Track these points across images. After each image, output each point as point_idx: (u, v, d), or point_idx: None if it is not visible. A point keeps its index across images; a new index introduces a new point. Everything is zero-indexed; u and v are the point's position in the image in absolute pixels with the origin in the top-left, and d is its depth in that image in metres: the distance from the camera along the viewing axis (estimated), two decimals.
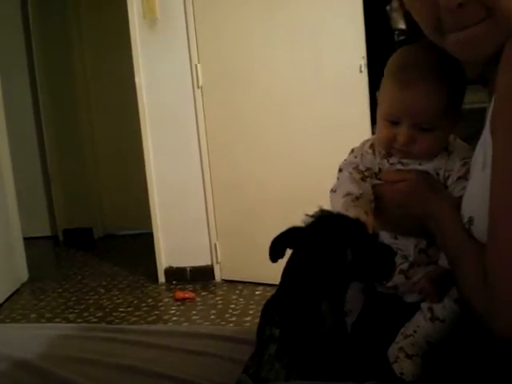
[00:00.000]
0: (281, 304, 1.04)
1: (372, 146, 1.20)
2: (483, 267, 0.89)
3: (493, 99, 0.92)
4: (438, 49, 1.03)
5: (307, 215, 1.07)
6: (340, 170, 1.22)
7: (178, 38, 3.79)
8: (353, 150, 1.23)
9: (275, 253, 1.05)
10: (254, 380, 1.01)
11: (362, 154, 1.20)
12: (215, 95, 3.78)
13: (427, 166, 1.14)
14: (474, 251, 0.95)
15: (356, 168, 1.19)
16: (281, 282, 1.10)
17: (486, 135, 0.94)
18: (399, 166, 1.16)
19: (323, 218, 1.06)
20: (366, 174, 1.18)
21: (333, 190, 1.18)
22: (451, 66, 1.08)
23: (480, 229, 0.94)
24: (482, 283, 0.89)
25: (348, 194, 1.13)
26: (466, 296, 0.96)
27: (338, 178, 1.22)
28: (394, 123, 1.12)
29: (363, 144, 1.23)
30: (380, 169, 1.18)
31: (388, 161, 1.17)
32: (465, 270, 0.96)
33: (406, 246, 1.16)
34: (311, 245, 1.04)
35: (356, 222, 1.04)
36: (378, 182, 1.18)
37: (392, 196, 1.14)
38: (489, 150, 0.91)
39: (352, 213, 1.08)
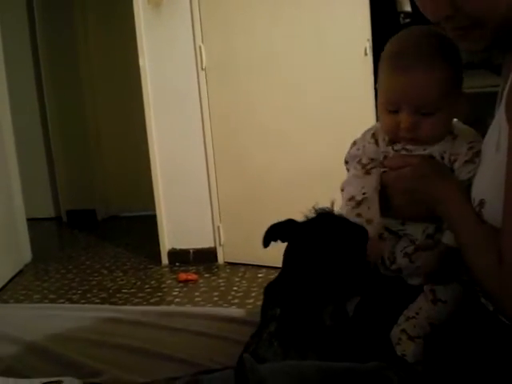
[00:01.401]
0: (283, 284, 1.05)
1: (374, 136, 1.20)
2: (496, 249, 0.89)
3: (508, 82, 0.92)
4: (437, 32, 1.03)
5: (313, 208, 1.09)
6: (346, 162, 1.22)
7: (182, 20, 3.77)
8: (355, 143, 1.23)
9: (267, 239, 1.08)
10: (253, 358, 1.02)
11: (364, 146, 1.20)
12: (219, 77, 3.77)
13: (432, 150, 1.14)
14: (485, 234, 0.96)
15: (359, 162, 1.18)
16: (283, 265, 1.11)
17: (500, 118, 0.95)
18: (404, 152, 1.16)
19: (321, 217, 1.07)
20: (369, 166, 1.17)
21: (341, 189, 1.19)
22: (449, 49, 1.07)
23: (492, 211, 0.94)
24: (495, 265, 0.90)
25: (351, 199, 1.13)
26: (479, 278, 0.96)
27: (347, 170, 1.22)
28: (395, 111, 1.12)
29: (364, 134, 1.22)
30: (385, 157, 1.18)
31: (393, 148, 1.17)
32: (477, 253, 0.97)
33: (414, 232, 1.16)
34: (304, 240, 1.06)
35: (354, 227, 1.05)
36: (383, 170, 1.17)
37: (398, 182, 1.14)
38: (503, 133, 0.92)
39: (355, 220, 1.09)
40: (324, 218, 1.08)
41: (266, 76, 3.63)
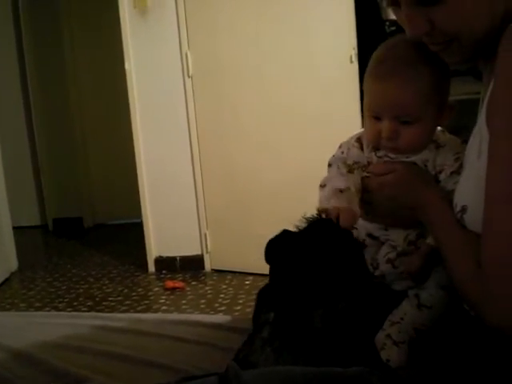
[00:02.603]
0: (276, 288, 1.06)
1: (358, 140, 1.21)
2: (476, 257, 0.90)
3: (489, 88, 0.93)
4: (421, 41, 1.04)
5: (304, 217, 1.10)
6: (329, 165, 1.23)
7: (168, 26, 3.77)
8: (341, 146, 1.24)
9: (269, 255, 1.08)
10: (243, 364, 1.02)
11: (349, 149, 1.21)
12: (206, 84, 3.77)
13: (415, 159, 1.14)
14: (465, 240, 0.96)
15: (344, 162, 1.20)
16: (273, 271, 1.12)
17: (481, 125, 0.95)
18: (387, 159, 1.17)
19: (313, 226, 1.09)
20: (354, 166, 1.19)
21: (321, 186, 1.19)
22: (433, 59, 1.07)
23: (474, 218, 0.95)
24: (475, 273, 0.90)
25: (334, 189, 1.14)
26: (459, 285, 0.97)
27: (328, 172, 1.23)
28: (378, 118, 1.13)
29: (350, 138, 1.23)
30: (369, 162, 1.19)
31: (376, 154, 1.18)
32: (457, 260, 0.97)
33: (396, 237, 1.16)
34: (304, 249, 1.06)
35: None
36: (366, 174, 1.18)
37: (381, 188, 1.15)
38: (485, 140, 0.92)
39: (334, 203, 1.10)
40: (315, 226, 1.09)
41: (253, 84, 3.63)
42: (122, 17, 3.80)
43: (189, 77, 3.78)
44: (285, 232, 1.12)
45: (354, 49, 3.35)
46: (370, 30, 3.34)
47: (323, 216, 1.09)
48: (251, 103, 3.65)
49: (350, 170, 1.18)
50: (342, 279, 1.09)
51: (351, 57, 3.35)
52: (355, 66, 3.34)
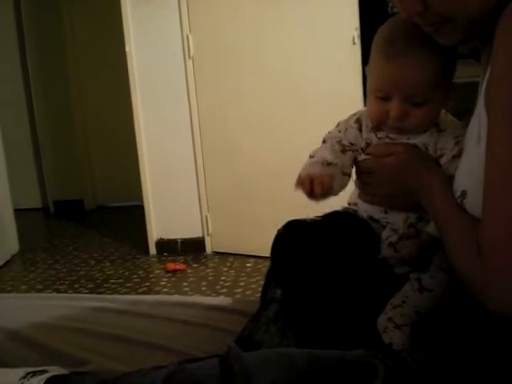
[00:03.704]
0: (285, 267, 1.06)
1: (358, 121, 1.19)
2: (476, 240, 0.89)
3: (487, 73, 0.92)
4: None
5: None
6: (324, 141, 1.21)
7: (170, 8, 3.75)
8: (338, 124, 1.22)
9: (279, 251, 1.10)
10: (248, 343, 1.02)
11: (347, 129, 1.19)
12: (207, 66, 3.75)
13: (416, 141, 1.13)
14: (466, 224, 0.96)
15: (339, 141, 1.18)
16: (275, 253, 1.12)
17: (479, 109, 0.94)
18: (387, 141, 1.16)
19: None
20: (347, 148, 1.17)
21: (310, 156, 1.18)
22: None
23: (473, 203, 0.94)
24: (474, 256, 0.90)
25: (324, 162, 1.13)
26: (458, 268, 0.96)
27: (320, 147, 1.21)
28: (385, 99, 1.11)
29: (349, 118, 1.21)
30: (368, 143, 1.18)
31: (376, 135, 1.17)
32: (457, 243, 0.97)
33: (396, 220, 1.16)
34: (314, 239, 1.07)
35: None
36: (366, 157, 1.17)
37: (382, 170, 1.14)
38: (483, 124, 0.91)
39: (311, 170, 1.08)
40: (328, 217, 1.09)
41: (254, 65, 3.61)
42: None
43: (190, 58, 3.76)
44: (291, 224, 1.11)
45: (356, 29, 3.32)
46: (373, 10, 3.31)
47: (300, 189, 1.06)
48: (252, 85, 3.63)
49: (343, 151, 1.16)
50: (349, 263, 1.09)
51: (354, 38, 3.32)
52: (358, 47, 3.31)
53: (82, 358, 1.24)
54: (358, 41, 3.32)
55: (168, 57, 3.82)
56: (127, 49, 3.83)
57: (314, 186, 1.04)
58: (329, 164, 1.11)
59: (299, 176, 1.08)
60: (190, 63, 3.77)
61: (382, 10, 3.32)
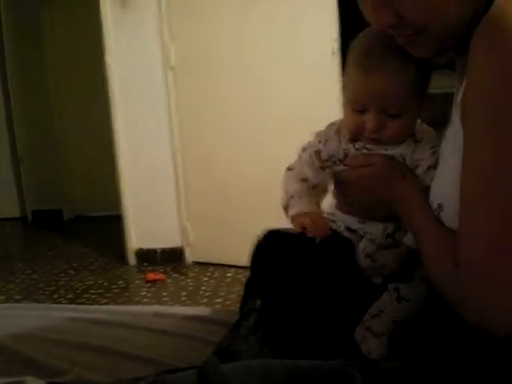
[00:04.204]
0: (264, 277, 1.06)
1: (337, 132, 1.19)
2: (453, 253, 0.90)
3: (462, 84, 0.92)
4: None
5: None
6: (303, 149, 1.22)
7: (150, 18, 3.75)
8: (318, 134, 1.22)
9: (259, 261, 1.10)
10: (226, 353, 1.02)
11: (327, 140, 1.19)
12: (187, 76, 3.75)
13: (393, 152, 1.13)
14: (443, 237, 0.96)
15: (317, 153, 1.18)
16: (255, 263, 1.12)
17: (455, 121, 0.95)
18: (365, 151, 1.15)
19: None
20: (327, 163, 1.17)
21: (289, 168, 1.18)
22: None
23: (450, 215, 0.94)
24: (452, 269, 0.90)
25: (305, 180, 1.13)
26: (435, 280, 0.96)
27: (299, 157, 1.22)
28: (361, 111, 1.11)
29: (328, 128, 1.21)
30: (345, 154, 1.17)
31: (354, 146, 1.16)
32: (434, 256, 0.97)
33: (374, 231, 1.16)
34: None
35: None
36: (343, 167, 1.17)
37: (359, 181, 1.14)
38: (459, 136, 0.91)
39: (306, 202, 1.10)
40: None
41: (235, 76, 3.62)
42: (102, 8, 3.76)
43: (170, 68, 3.76)
44: (271, 233, 1.12)
45: (335, 40, 3.34)
46: (353, 21, 3.33)
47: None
48: (233, 95, 3.64)
49: (323, 168, 1.17)
50: (328, 273, 1.09)
51: (333, 49, 3.35)
52: (337, 57, 3.34)
53: (59, 368, 1.23)
54: (337, 51, 3.34)
55: (148, 67, 3.82)
56: (107, 58, 3.82)
57: (310, 230, 1.07)
58: (314, 187, 1.13)
59: (292, 217, 1.11)
60: (170, 73, 3.77)
61: (360, 22, 3.34)
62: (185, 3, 3.67)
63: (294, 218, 1.11)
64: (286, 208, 1.14)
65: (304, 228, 1.08)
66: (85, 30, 4.94)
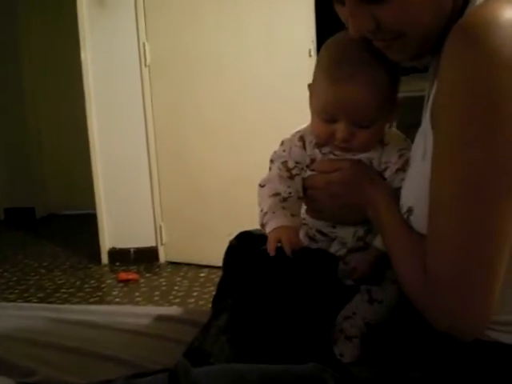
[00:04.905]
0: (236, 277, 1.06)
1: (301, 139, 1.18)
2: (422, 257, 0.90)
3: (433, 91, 0.92)
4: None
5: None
6: (271, 161, 1.21)
7: (126, 16, 3.72)
8: (283, 143, 1.21)
9: (231, 262, 1.09)
10: (197, 353, 1.01)
11: (291, 148, 1.18)
12: (163, 74, 3.73)
13: (361, 156, 1.13)
14: (412, 241, 0.96)
15: (285, 164, 1.17)
16: (227, 265, 1.12)
17: (425, 125, 0.95)
18: (332, 156, 1.15)
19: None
20: (294, 171, 1.16)
21: (261, 185, 1.18)
22: (384, 57, 1.02)
23: (419, 219, 0.94)
24: (420, 273, 0.90)
25: (276, 194, 1.13)
26: (404, 284, 0.97)
27: (270, 169, 1.21)
28: (331, 121, 1.09)
29: (293, 136, 1.20)
30: (312, 160, 1.17)
31: (320, 151, 1.16)
32: (403, 260, 0.97)
33: (345, 234, 1.17)
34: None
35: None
36: (311, 173, 1.17)
37: (327, 186, 1.14)
38: (429, 140, 0.91)
39: (280, 215, 1.09)
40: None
41: (211, 74, 3.61)
42: (79, 6, 3.73)
43: (146, 66, 3.74)
44: (244, 235, 1.12)
45: (312, 42, 3.35)
46: (329, 24, 3.34)
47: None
48: (208, 94, 3.63)
49: (291, 177, 1.16)
50: (300, 275, 1.09)
51: (310, 50, 3.36)
52: (314, 59, 3.34)
53: (29, 368, 1.21)
54: (314, 53, 3.35)
55: (124, 64, 3.79)
56: (82, 56, 3.79)
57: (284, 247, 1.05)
58: (285, 199, 1.12)
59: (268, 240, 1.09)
60: (146, 71, 3.75)
61: (338, 24, 3.36)
62: (161, 2, 3.65)
63: (269, 234, 1.10)
64: (263, 225, 1.13)
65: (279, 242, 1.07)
66: (61, 26, 4.90)
